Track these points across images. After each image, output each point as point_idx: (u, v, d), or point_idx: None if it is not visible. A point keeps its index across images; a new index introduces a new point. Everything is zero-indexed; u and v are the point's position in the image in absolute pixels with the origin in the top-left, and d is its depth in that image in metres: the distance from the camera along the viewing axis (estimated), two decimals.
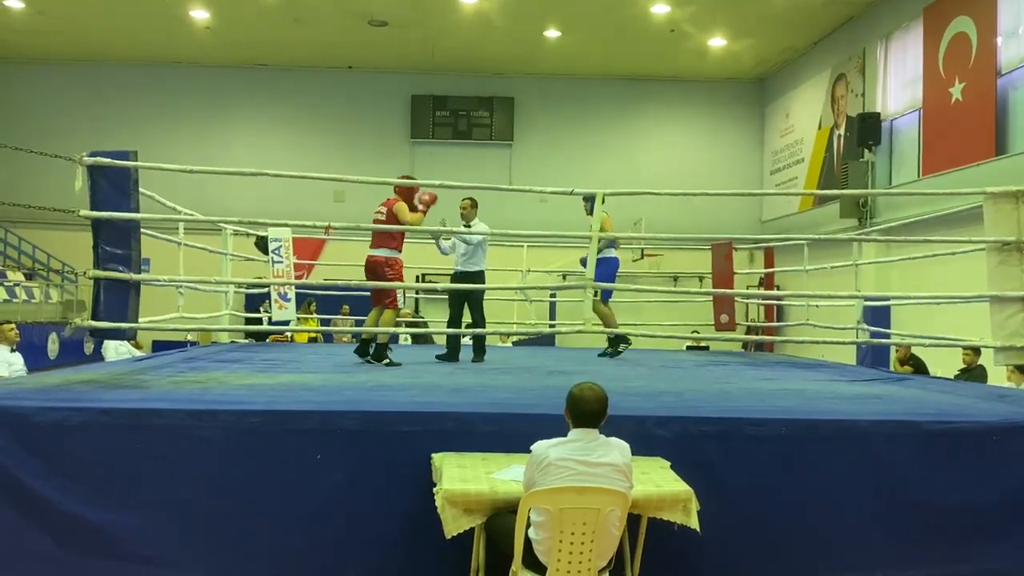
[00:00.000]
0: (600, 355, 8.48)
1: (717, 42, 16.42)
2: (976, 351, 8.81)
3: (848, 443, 4.31)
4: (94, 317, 5.29)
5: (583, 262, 7.66)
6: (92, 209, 5.29)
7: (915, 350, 9.47)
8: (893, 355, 9.97)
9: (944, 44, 12.43)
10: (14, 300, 16.22)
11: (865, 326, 8.60)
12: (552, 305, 15.05)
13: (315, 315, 12.90)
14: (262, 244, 8.82)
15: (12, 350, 8.10)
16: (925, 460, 4.30)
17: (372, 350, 7.17)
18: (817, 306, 10.25)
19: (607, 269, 7.78)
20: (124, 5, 15.15)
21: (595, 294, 7.67)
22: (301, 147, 18.44)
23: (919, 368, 9.32)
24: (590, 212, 7.58)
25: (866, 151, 14.16)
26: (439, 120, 18.72)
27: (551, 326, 12.50)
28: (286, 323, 8.89)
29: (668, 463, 4.01)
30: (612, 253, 8.10)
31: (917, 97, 13.19)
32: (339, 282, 9.84)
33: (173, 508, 4.05)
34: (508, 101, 18.72)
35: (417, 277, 15.17)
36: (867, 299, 8.70)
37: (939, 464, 4.31)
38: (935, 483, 4.29)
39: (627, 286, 7.22)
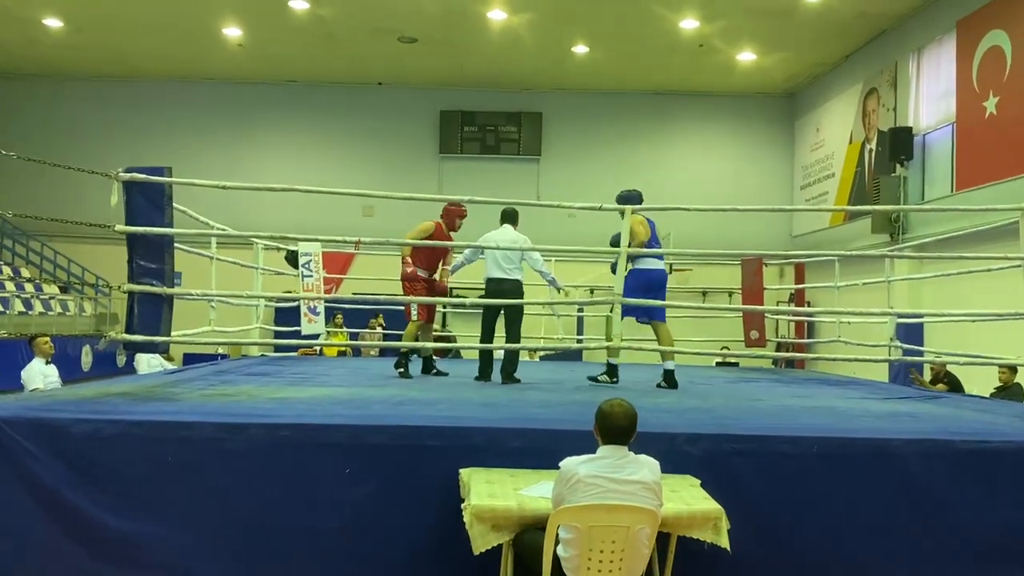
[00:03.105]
0: (590, 378, 7.19)
1: (746, 56, 16.36)
2: (1012, 369, 8.65)
3: (882, 462, 4.24)
4: (128, 330, 5.36)
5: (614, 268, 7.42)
6: (127, 224, 5.38)
7: (948, 368, 9.31)
8: (928, 373, 9.80)
9: (978, 58, 12.28)
10: (49, 313, 16.51)
11: (898, 343, 8.49)
12: (580, 320, 15.01)
13: (344, 329, 12.97)
14: (292, 258, 8.91)
15: (47, 362, 8.23)
16: (960, 480, 4.22)
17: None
18: (849, 323, 10.13)
19: (635, 282, 6.70)
20: (160, 23, 15.42)
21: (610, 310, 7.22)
22: (331, 162, 18.61)
23: (954, 386, 9.16)
24: (622, 214, 7.27)
25: (898, 166, 14.00)
26: (467, 135, 18.80)
27: (579, 341, 12.46)
28: (315, 337, 8.96)
29: (698, 481, 3.97)
30: (647, 264, 6.83)
31: (950, 111, 13.04)
32: (368, 296, 9.90)
33: (203, 520, 4.08)
34: (536, 116, 18.77)
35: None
36: (899, 316, 8.59)
37: (975, 484, 4.22)
38: (971, 504, 4.20)
39: (653, 302, 7.05)
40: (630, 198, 6.83)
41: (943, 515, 4.20)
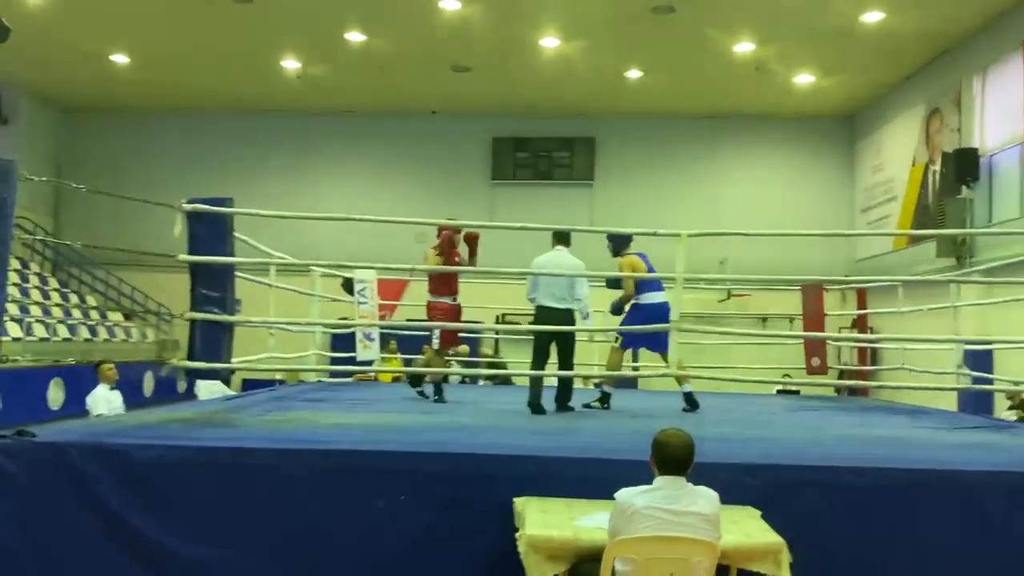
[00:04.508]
0: (585, 405, 7.30)
1: (804, 79, 16.14)
2: None
3: (952, 495, 4.08)
4: (190, 357, 5.47)
5: (614, 310, 7.41)
6: (190, 253, 5.51)
7: None
8: (1003, 403, 9.40)
9: None
10: (114, 339, 16.96)
11: (966, 371, 8.20)
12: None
13: (398, 355, 13.05)
14: (348, 286, 9.03)
15: (112, 388, 8.43)
16: None
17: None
18: (914, 349, 9.83)
19: (640, 316, 7.03)
20: (221, 58, 15.88)
21: (615, 339, 7.30)
22: (385, 190, 18.84)
23: None
24: (614, 254, 7.29)
25: (964, 188, 13.62)
26: (520, 161, 18.87)
27: (634, 369, 12.33)
28: (370, 363, 9.04)
29: (758, 512, 3.87)
30: (648, 299, 7.05)
31: (1017, 131, 12.67)
32: (422, 322, 9.95)
33: (261, 545, 4.11)
34: (589, 141, 18.77)
35: (497, 318, 15.23)
36: (967, 343, 8.30)
37: None
38: None
39: (710, 328, 6.98)
40: (624, 239, 7.33)
41: (1021, 553, 4.01)
